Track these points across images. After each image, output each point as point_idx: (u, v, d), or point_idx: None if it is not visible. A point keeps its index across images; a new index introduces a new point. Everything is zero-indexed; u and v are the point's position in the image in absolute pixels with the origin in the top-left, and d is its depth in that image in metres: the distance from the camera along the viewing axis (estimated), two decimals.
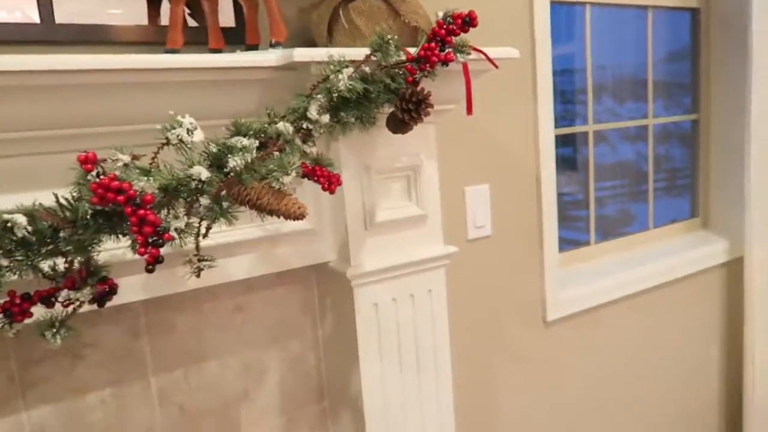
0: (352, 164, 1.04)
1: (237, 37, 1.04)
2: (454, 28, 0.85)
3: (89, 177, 0.68)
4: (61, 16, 0.93)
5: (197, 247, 0.79)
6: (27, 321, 0.74)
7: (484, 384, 1.58)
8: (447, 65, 0.88)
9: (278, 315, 1.19)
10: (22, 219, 0.66)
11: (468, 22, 0.85)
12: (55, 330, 0.75)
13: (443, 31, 0.85)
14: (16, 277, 0.69)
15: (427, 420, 1.21)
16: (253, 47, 0.99)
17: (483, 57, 0.97)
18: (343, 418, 1.23)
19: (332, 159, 0.89)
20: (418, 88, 0.89)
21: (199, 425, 1.13)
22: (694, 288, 2.08)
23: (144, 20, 1.01)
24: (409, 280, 1.14)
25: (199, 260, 0.79)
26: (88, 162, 0.66)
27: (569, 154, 2.01)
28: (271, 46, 0.95)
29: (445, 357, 1.22)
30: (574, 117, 1.96)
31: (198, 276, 0.80)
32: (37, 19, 0.92)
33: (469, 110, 0.99)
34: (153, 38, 1.00)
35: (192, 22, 1.02)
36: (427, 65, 0.87)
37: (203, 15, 1.01)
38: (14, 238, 0.67)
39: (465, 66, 0.96)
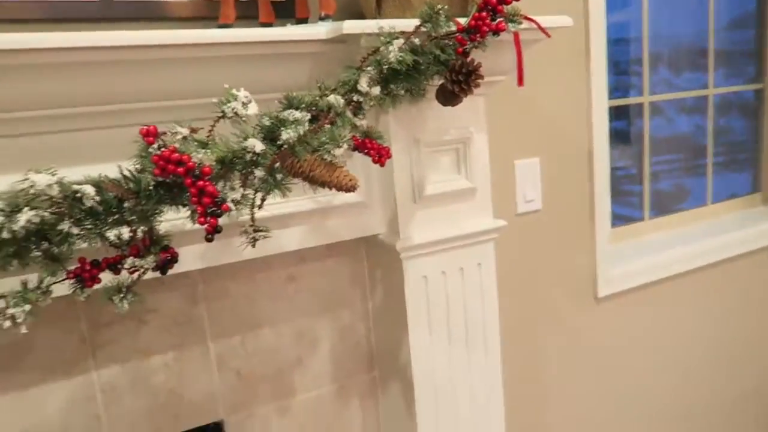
0: (401, 137, 1.04)
1: (286, 11, 1.06)
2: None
3: (150, 149, 0.71)
4: None
5: (252, 218, 0.82)
6: (96, 286, 0.78)
7: (533, 358, 1.58)
8: (498, 35, 0.87)
9: (329, 286, 1.22)
10: (90, 190, 0.70)
11: None
12: (122, 295, 0.79)
13: (494, 0, 0.84)
14: (85, 244, 0.74)
15: (476, 391, 1.22)
16: (303, 21, 1.00)
17: (535, 26, 0.95)
18: (392, 388, 1.26)
19: (382, 132, 0.90)
20: (468, 59, 0.88)
21: (256, 390, 1.18)
22: (753, 266, 2.00)
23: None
24: (458, 253, 1.15)
25: (255, 231, 0.82)
26: (149, 135, 0.69)
27: (623, 127, 1.95)
28: (321, 19, 0.96)
29: (494, 330, 1.23)
30: (629, 88, 1.89)
31: (253, 246, 0.83)
32: None
33: (521, 81, 0.98)
34: (206, 13, 1.03)
35: None
36: (478, 35, 0.86)
37: None
38: (83, 207, 0.70)
39: (516, 35, 0.94)
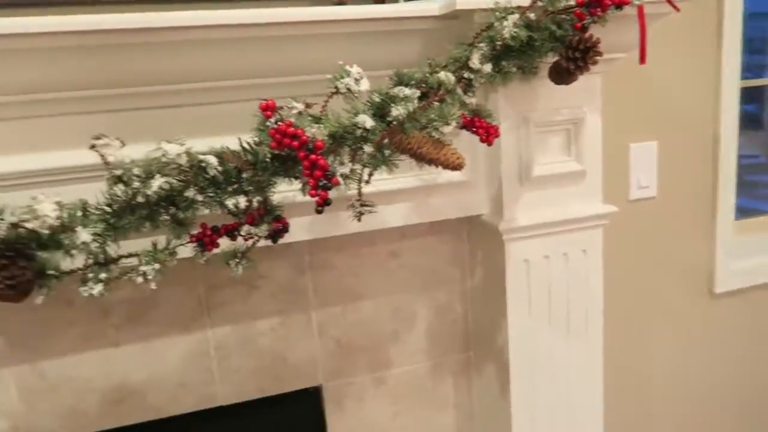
0: (510, 116, 1.02)
1: None
2: None
3: (268, 123, 0.74)
4: None
5: (359, 193, 0.84)
6: (215, 251, 0.84)
7: (637, 350, 1.51)
8: (621, 8, 0.82)
9: (429, 263, 1.23)
10: (213, 160, 0.74)
11: None
12: (237, 260, 0.84)
13: None
14: (207, 211, 0.79)
15: (574, 379, 1.19)
16: None
17: None
18: (487, 369, 1.25)
19: (491, 110, 0.88)
20: (587, 35, 0.84)
21: (354, 359, 1.22)
22: None
23: None
24: (563, 237, 1.11)
25: (362, 205, 0.84)
26: (268, 109, 0.73)
27: (754, 111, 1.79)
28: None
29: (597, 319, 1.18)
30: (762, 69, 1.72)
31: (359, 220, 0.85)
32: None
33: (643, 59, 0.92)
34: None
35: None
36: (599, 9, 0.81)
37: None
38: (207, 176, 0.75)
39: (641, 9, 0.89)
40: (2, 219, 0.68)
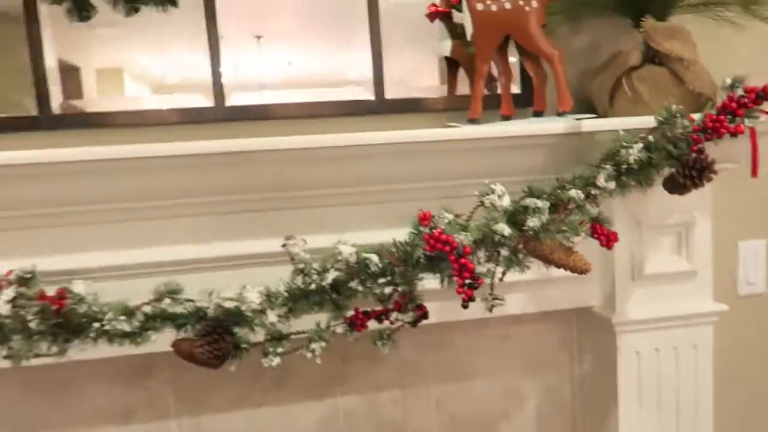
0: (624, 219, 1.12)
1: (523, 101, 1.20)
2: (746, 101, 0.89)
3: (422, 229, 0.89)
4: (389, 94, 1.20)
5: (492, 288, 0.96)
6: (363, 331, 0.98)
7: None
8: (736, 136, 0.91)
9: (539, 348, 1.31)
10: (375, 258, 0.89)
11: (762, 96, 0.88)
12: (383, 341, 0.98)
13: (734, 104, 0.90)
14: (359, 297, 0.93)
15: None
16: (539, 113, 1.14)
17: None
18: None
19: (609, 216, 0.99)
20: (702, 156, 0.94)
21: None
22: None
23: (444, 93, 1.24)
24: (673, 332, 1.17)
25: (494, 299, 0.95)
26: (425, 219, 0.87)
27: None
28: (558, 114, 1.09)
29: (707, 413, 1.21)
30: None
31: (490, 311, 0.97)
32: (372, 97, 1.19)
33: (755, 173, 1.00)
34: (453, 105, 1.22)
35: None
36: (714, 135, 0.91)
37: (494, 85, 1.19)
38: (369, 271, 0.90)
39: (753, 131, 0.98)
40: (211, 299, 0.86)
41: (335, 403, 1.25)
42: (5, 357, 0.86)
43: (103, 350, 0.86)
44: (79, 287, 0.83)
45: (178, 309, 0.85)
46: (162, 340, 0.87)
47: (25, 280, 0.84)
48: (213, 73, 1.15)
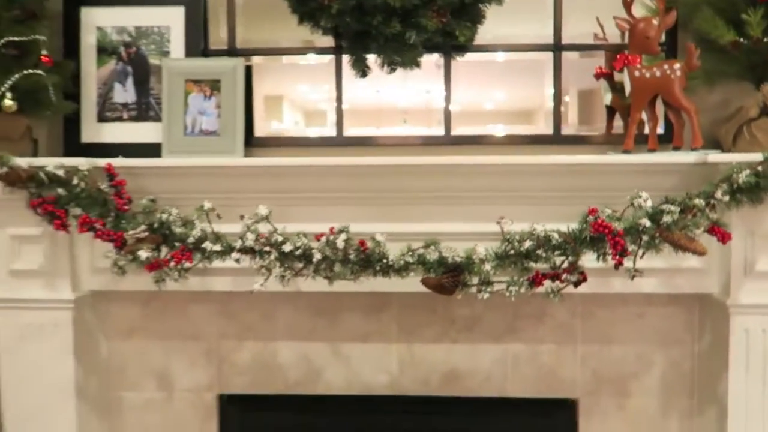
0: (740, 228, 1.50)
1: (665, 140, 1.63)
2: None
3: (588, 218, 1.37)
4: (565, 130, 1.69)
5: (634, 263, 1.40)
6: (539, 289, 1.46)
7: None
8: None
9: (667, 326, 1.71)
10: (556, 235, 1.38)
11: None
12: (553, 294, 1.45)
13: None
14: (542, 265, 1.42)
15: None
16: (677, 148, 1.57)
17: None
18: (707, 414, 1.66)
19: (726, 222, 1.40)
20: None
21: (603, 386, 1.73)
22: None
23: (602, 131, 1.70)
24: None
25: (635, 271, 1.40)
26: (592, 212, 1.35)
27: None
28: (691, 149, 1.51)
29: None
30: None
31: (632, 280, 1.41)
32: (551, 132, 1.70)
33: None
34: (610, 141, 1.68)
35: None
36: None
37: (641, 127, 1.64)
38: (550, 243, 1.39)
39: None
40: (435, 250, 1.39)
41: (506, 348, 1.74)
42: (325, 277, 1.46)
43: (361, 286, 1.42)
44: (379, 237, 1.41)
45: (433, 256, 1.40)
46: (399, 284, 1.42)
47: (341, 232, 1.44)
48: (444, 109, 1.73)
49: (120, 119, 1.70)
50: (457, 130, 1.72)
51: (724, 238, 1.37)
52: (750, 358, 1.55)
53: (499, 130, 1.74)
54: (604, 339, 1.73)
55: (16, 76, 1.43)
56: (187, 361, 1.79)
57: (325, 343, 1.77)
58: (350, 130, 1.76)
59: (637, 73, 1.51)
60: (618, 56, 1.58)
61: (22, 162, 1.43)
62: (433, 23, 1.54)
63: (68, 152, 1.69)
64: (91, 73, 1.69)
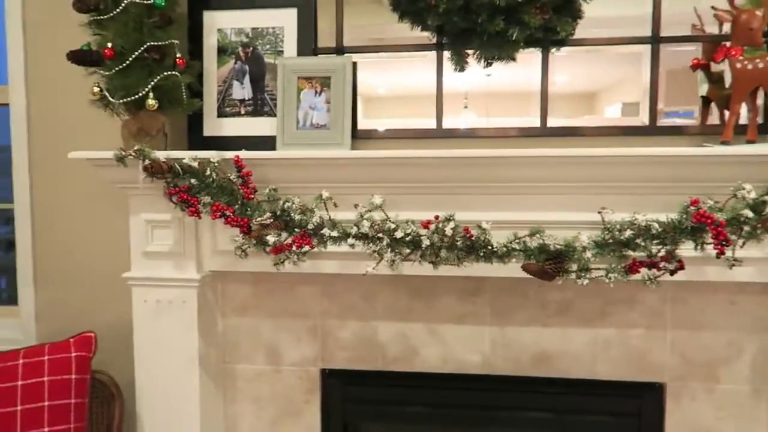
0: None
1: (764, 130, 1.66)
2: None
3: (690, 209, 1.42)
4: (660, 121, 1.74)
5: (733, 252, 1.45)
6: (634, 276, 1.53)
7: None
8: None
9: (759, 313, 1.74)
10: (656, 225, 1.44)
11: None
12: (650, 281, 1.52)
13: None
14: (639, 253, 1.49)
15: None
16: None
17: None
18: None
19: None
20: None
21: (692, 370, 1.78)
22: None
23: (697, 122, 1.74)
24: None
25: (734, 260, 1.45)
26: (695, 202, 1.41)
27: None
28: None
29: None
30: None
31: (731, 269, 1.46)
32: (647, 121, 1.75)
33: None
34: (706, 131, 1.71)
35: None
36: None
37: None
38: (650, 233, 1.46)
39: None
40: (539, 238, 1.48)
41: (597, 332, 1.81)
42: (431, 262, 1.57)
43: (458, 271, 1.54)
44: (484, 225, 1.51)
45: (534, 243, 1.49)
46: (491, 269, 1.53)
47: (448, 220, 1.54)
48: (541, 102, 1.80)
49: (238, 114, 1.85)
50: (551, 121, 1.79)
51: None
52: None
53: (594, 121, 1.80)
54: (695, 325, 1.78)
55: (158, 77, 1.59)
56: (293, 338, 1.95)
57: (422, 324, 1.89)
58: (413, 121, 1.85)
59: (739, 65, 1.54)
60: (719, 48, 1.61)
61: (161, 155, 1.60)
62: (536, 20, 1.61)
63: (192, 145, 1.86)
64: (213, 71, 1.84)
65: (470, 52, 1.77)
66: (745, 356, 1.77)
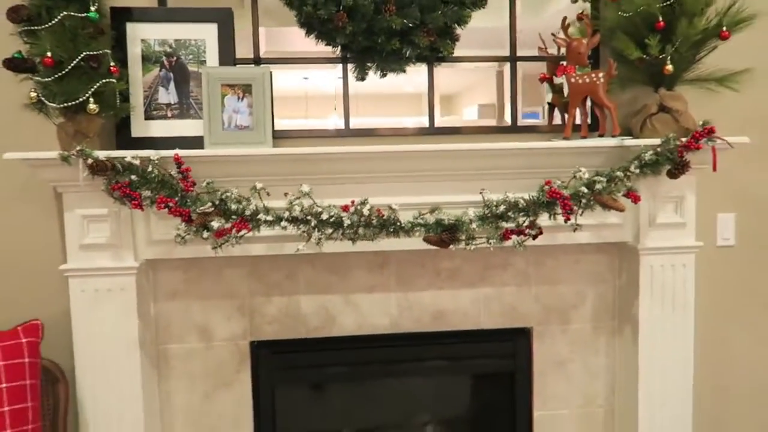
0: (646, 193, 2.08)
1: (593, 128, 2.19)
2: (705, 134, 1.86)
3: (545, 187, 1.89)
4: (521, 121, 2.21)
5: (576, 219, 1.94)
6: (506, 243, 1.97)
7: (722, 344, 2.42)
8: (698, 149, 1.89)
9: (596, 268, 2.28)
10: (522, 201, 1.89)
11: (710, 131, 1.86)
12: (519, 245, 1.97)
13: (699, 135, 1.87)
14: (510, 224, 1.93)
15: (676, 340, 2.17)
16: (602, 136, 2.12)
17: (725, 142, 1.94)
18: (625, 330, 2.26)
19: (637, 188, 1.96)
20: (684, 160, 1.91)
21: (551, 316, 2.29)
22: None
23: (545, 122, 2.24)
24: (672, 256, 2.13)
25: (577, 225, 1.93)
26: (547, 184, 1.87)
27: None
28: (612, 136, 2.07)
29: (690, 304, 2.16)
30: None
31: (574, 231, 1.95)
32: (509, 122, 2.21)
33: (714, 168, 1.96)
34: (554, 130, 2.22)
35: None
36: (692, 149, 1.89)
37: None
38: (519, 206, 1.90)
39: (713, 149, 1.94)
40: (447, 215, 1.87)
41: (479, 292, 2.25)
42: (350, 239, 1.90)
43: (372, 246, 1.88)
44: (394, 206, 1.86)
45: (432, 219, 1.88)
46: (396, 243, 1.90)
47: (363, 203, 1.88)
48: (429, 107, 2.19)
49: (164, 117, 2.03)
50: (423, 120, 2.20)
51: (635, 200, 1.94)
52: (653, 288, 2.15)
53: (474, 122, 2.24)
54: (552, 280, 2.28)
55: (98, 84, 1.75)
56: (223, 316, 2.17)
57: (339, 295, 2.21)
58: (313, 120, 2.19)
59: (572, 80, 2.04)
60: (558, 66, 2.11)
61: (101, 154, 1.76)
62: (424, 41, 1.99)
63: (120, 146, 2.01)
64: (138, 78, 2.01)
65: (370, 65, 2.12)
66: (587, 302, 2.31)
